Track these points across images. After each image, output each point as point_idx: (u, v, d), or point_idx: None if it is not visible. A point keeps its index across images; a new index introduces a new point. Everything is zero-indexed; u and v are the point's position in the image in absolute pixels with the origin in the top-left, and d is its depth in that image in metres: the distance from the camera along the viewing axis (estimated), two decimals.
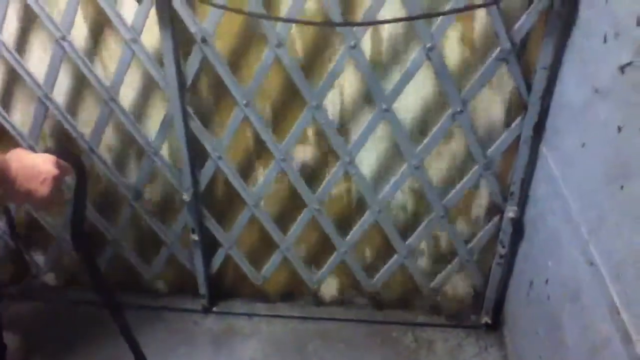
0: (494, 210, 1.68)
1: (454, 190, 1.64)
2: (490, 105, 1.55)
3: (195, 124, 1.62)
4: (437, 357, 1.79)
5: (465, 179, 1.62)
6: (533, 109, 1.47)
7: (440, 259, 1.81)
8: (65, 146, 1.55)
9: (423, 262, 1.82)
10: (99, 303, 1.31)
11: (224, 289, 1.99)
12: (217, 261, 1.89)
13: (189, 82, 1.56)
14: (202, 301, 1.95)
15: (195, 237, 1.80)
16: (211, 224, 1.80)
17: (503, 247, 1.69)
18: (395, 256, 1.78)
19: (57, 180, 0.98)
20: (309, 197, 1.69)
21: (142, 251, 1.91)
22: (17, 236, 1.79)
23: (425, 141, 1.57)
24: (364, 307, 1.96)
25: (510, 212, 1.63)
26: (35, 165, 0.95)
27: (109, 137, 1.73)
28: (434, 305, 1.92)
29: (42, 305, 1.98)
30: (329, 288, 1.94)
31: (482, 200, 1.71)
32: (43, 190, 0.95)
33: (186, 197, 1.72)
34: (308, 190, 1.69)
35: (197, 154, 1.68)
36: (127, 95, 1.64)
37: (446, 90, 1.48)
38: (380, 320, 1.92)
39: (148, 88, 1.64)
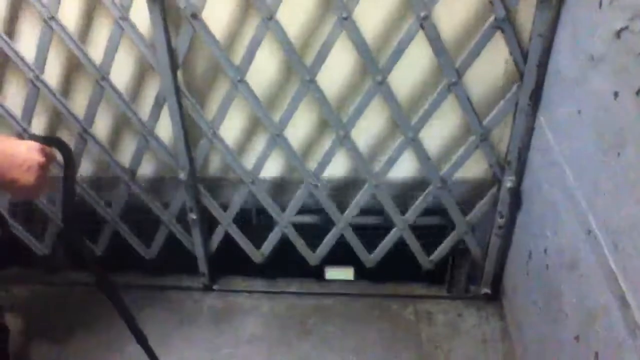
0: (492, 180, 1.67)
1: (451, 162, 1.63)
2: (486, 75, 1.53)
3: (189, 102, 1.60)
4: (438, 329, 1.81)
5: (462, 150, 1.61)
6: (529, 77, 1.45)
7: (439, 231, 1.81)
8: (49, 133, 1.52)
9: (421, 235, 1.82)
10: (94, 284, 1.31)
11: (224, 267, 2.00)
12: (215, 239, 1.89)
13: (180, 59, 1.53)
14: (202, 279, 1.96)
15: (193, 215, 1.80)
16: (208, 202, 1.79)
17: (501, 217, 1.69)
18: (394, 230, 1.77)
19: (43, 168, 0.95)
20: (305, 172, 1.68)
21: (141, 231, 1.91)
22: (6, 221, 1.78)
23: (420, 113, 1.55)
24: (363, 281, 1.96)
25: (508, 182, 1.62)
26: (19, 153, 0.93)
27: (103, 118, 1.71)
28: (432, 277, 1.93)
29: (41, 288, 1.98)
30: (328, 263, 1.94)
31: (479, 171, 1.70)
32: (28, 178, 0.93)
33: (182, 176, 1.71)
34: (304, 166, 1.68)
35: (191, 133, 1.67)
36: (120, 75, 1.62)
37: (441, 61, 1.46)
38: (379, 294, 1.93)
39: (141, 67, 1.62)
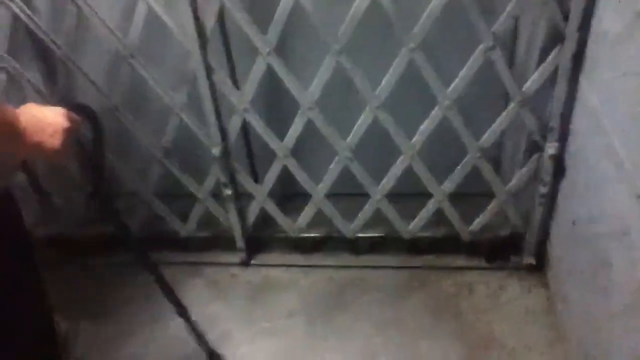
0: (534, 148, 1.61)
1: (489, 130, 1.57)
2: (525, 38, 1.46)
3: (219, 77, 1.58)
4: (478, 300, 1.77)
5: (501, 117, 1.55)
6: (571, 39, 1.38)
7: (479, 201, 1.76)
8: (79, 100, 1.54)
9: (460, 205, 1.77)
10: (132, 261, 1.33)
11: (261, 242, 2.00)
12: (251, 214, 1.88)
13: (208, 32, 1.51)
14: (239, 254, 1.97)
15: (228, 191, 1.80)
16: (243, 177, 1.78)
17: (544, 185, 1.63)
18: (432, 201, 1.73)
19: (68, 133, 0.96)
20: (339, 144, 1.65)
21: (177, 208, 1.92)
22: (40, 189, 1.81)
23: (455, 81, 1.50)
24: (401, 253, 1.93)
25: (551, 149, 1.55)
26: (45, 118, 0.94)
27: (135, 95, 1.71)
28: (473, 248, 1.88)
29: (78, 267, 2.02)
30: (365, 236, 1.92)
31: (520, 139, 1.63)
32: (53, 142, 0.94)
33: (215, 152, 1.70)
34: (339, 138, 1.64)
35: (223, 109, 1.65)
36: (151, 51, 1.61)
37: (476, 24, 1.40)
38: (417, 266, 1.90)
39: (171, 43, 1.61)
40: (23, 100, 1.67)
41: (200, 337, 1.58)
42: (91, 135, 1.14)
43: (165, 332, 1.72)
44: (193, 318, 1.54)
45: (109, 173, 1.81)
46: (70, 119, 0.98)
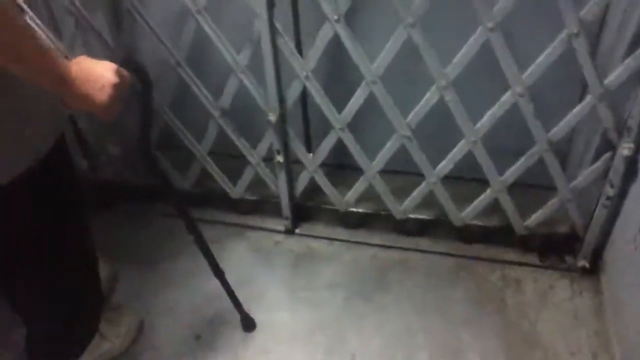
0: (606, 146, 1.51)
1: (562, 122, 1.48)
2: (613, 28, 1.35)
3: (283, 41, 1.54)
4: (526, 297, 1.71)
5: (575, 110, 1.45)
6: None
7: (539, 196, 1.68)
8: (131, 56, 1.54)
9: (518, 197, 1.69)
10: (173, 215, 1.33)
11: (307, 212, 1.98)
12: (301, 184, 1.86)
13: None
14: (284, 222, 1.95)
15: (280, 158, 1.77)
16: (296, 145, 1.76)
17: (612, 187, 1.54)
18: (489, 190, 1.67)
19: (116, 89, 0.96)
20: (399, 122, 1.60)
21: (228, 170, 1.91)
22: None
23: (532, 66, 1.41)
24: (450, 239, 1.88)
25: (625, 150, 1.46)
26: (95, 72, 0.95)
27: (197, 52, 1.69)
28: (526, 243, 1.81)
29: (130, 215, 2.05)
30: (415, 217, 1.87)
31: (592, 135, 1.54)
32: (101, 96, 0.95)
33: (272, 117, 1.67)
34: (399, 116, 1.59)
35: (284, 74, 1.61)
36: (215, 10, 1.57)
37: (563, 8, 1.30)
38: (466, 255, 1.84)
39: (237, 3, 1.57)
40: (87, 49, 1.70)
41: (235, 300, 1.59)
42: (140, 91, 1.14)
43: (202, 289, 1.74)
44: (233, 280, 1.55)
45: (165, 128, 1.82)
46: (119, 75, 0.98)
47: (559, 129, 1.49)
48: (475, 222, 1.79)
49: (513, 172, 1.60)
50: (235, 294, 1.59)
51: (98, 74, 0.95)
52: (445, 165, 1.64)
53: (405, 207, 1.79)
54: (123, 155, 2.01)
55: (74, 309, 1.29)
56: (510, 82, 1.43)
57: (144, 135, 1.21)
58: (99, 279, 1.37)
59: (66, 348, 1.36)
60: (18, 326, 1.29)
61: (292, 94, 1.64)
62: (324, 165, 1.79)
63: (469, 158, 1.62)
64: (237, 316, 1.63)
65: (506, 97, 1.47)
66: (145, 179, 1.85)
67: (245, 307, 1.63)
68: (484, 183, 1.67)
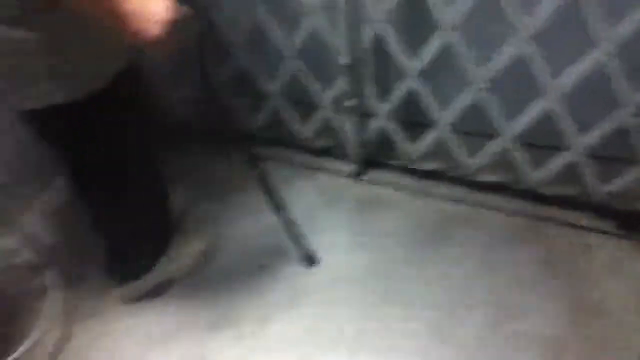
0: None
1: None
2: None
3: None
4: (597, 265, 1.62)
5: None
6: None
7: (622, 160, 1.55)
8: None
9: (599, 161, 1.58)
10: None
11: (375, 159, 1.96)
12: (370, 131, 1.83)
13: None
14: (352, 167, 1.95)
15: (350, 102, 1.74)
16: (368, 90, 1.71)
17: None
18: (568, 152, 1.56)
19: (169, 24, 0.96)
20: (474, 73, 1.51)
21: (299, 111, 1.91)
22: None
23: (624, 24, 1.26)
24: (522, 198, 1.79)
25: None
26: (149, 6, 0.95)
27: None
28: (602, 209, 1.70)
29: (207, 152, 2.11)
30: (486, 173, 1.80)
31: None
32: (153, 31, 0.96)
33: (344, 60, 1.64)
34: (474, 66, 1.50)
35: (359, 17, 1.56)
36: None
37: None
38: (537, 216, 1.76)
39: None
40: None
41: (295, 237, 1.63)
42: (197, 29, 1.13)
43: (266, 224, 1.77)
44: (297, 217, 1.60)
45: (238, 69, 1.83)
46: (174, 11, 0.98)
47: None
48: (551, 183, 1.69)
49: (595, 133, 1.48)
50: (298, 230, 1.63)
51: (152, 8, 0.96)
52: (521, 123, 1.55)
53: (478, 164, 1.72)
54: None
55: (145, 229, 1.46)
56: (600, 38, 1.30)
57: (202, 72, 1.24)
58: (169, 206, 1.52)
59: (137, 265, 1.56)
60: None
61: (367, 37, 1.59)
62: (394, 116, 1.74)
63: (545, 123, 1.51)
64: (299, 252, 1.68)
65: (594, 55, 1.34)
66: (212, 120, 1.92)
67: (307, 244, 1.67)
68: (559, 150, 1.57)
